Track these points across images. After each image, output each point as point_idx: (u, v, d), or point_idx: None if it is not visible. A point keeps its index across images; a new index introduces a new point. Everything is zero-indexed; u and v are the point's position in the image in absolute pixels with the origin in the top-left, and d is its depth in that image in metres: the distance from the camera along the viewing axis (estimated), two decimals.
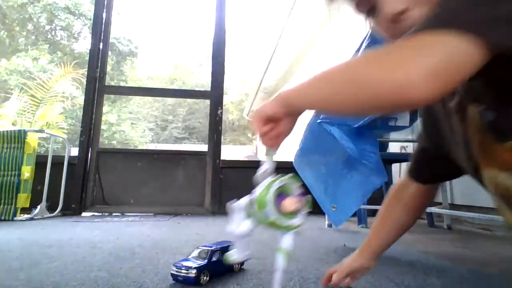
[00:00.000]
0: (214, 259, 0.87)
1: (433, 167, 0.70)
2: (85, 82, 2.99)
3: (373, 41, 1.71)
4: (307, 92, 0.47)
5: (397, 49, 0.38)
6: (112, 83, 12.61)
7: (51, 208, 2.54)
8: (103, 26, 3.07)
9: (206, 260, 0.86)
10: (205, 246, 0.92)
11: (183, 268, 0.83)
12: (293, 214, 0.51)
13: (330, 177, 1.67)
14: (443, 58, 0.35)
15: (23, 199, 2.36)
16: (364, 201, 1.85)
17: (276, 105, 0.51)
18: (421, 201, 0.75)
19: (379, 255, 0.79)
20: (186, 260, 0.87)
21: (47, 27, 15.41)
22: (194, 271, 0.81)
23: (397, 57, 0.37)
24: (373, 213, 2.59)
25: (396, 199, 0.77)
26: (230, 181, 2.93)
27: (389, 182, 2.67)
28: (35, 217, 2.35)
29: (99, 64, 3.00)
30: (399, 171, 2.88)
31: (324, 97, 0.44)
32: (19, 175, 2.38)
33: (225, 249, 0.89)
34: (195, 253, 0.90)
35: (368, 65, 0.39)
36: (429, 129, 0.68)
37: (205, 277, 0.84)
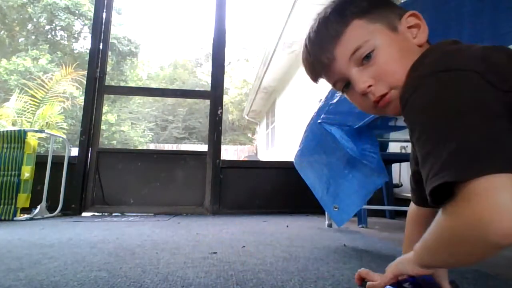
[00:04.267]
0: None
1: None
2: (85, 82, 2.99)
3: None
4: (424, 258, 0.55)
5: (465, 209, 0.40)
6: (112, 83, 12.62)
7: (51, 208, 2.54)
8: (103, 26, 3.07)
9: None
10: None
11: None
12: None
13: (331, 177, 1.67)
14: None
15: (23, 199, 2.36)
16: (365, 201, 1.85)
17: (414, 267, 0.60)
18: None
19: None
20: None
21: (47, 27, 15.42)
22: None
23: (472, 213, 0.39)
24: (373, 213, 2.61)
25: (414, 222, 0.78)
26: (230, 181, 2.93)
27: (389, 182, 2.68)
28: (35, 217, 2.35)
29: (99, 64, 3.00)
30: (399, 171, 2.88)
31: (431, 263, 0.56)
32: (19, 175, 2.38)
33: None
34: None
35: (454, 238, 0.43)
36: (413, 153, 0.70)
37: None
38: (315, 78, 0.65)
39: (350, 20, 0.56)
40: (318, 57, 0.59)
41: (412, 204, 0.79)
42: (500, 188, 0.36)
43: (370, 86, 0.55)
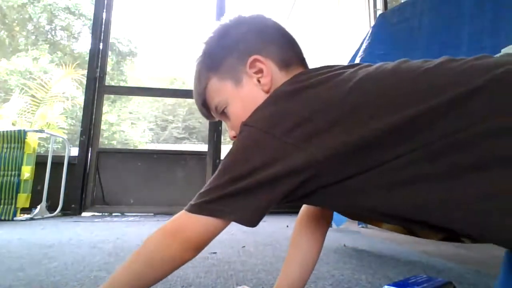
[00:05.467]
0: None
1: None
2: (85, 82, 2.99)
3: (374, 40, 1.71)
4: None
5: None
6: (112, 83, 12.61)
7: (51, 208, 2.54)
8: (103, 26, 3.07)
9: None
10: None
11: None
12: None
13: None
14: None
15: (23, 199, 2.36)
16: None
17: None
18: (325, 223, 0.70)
19: None
20: None
21: (47, 27, 15.41)
22: None
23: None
24: None
25: (305, 229, 0.70)
26: None
27: None
28: (35, 217, 2.35)
29: (99, 64, 3.00)
30: None
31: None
32: (19, 175, 2.38)
33: None
34: None
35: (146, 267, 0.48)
36: None
37: None
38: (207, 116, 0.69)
39: (208, 77, 0.62)
40: (197, 102, 0.67)
41: (302, 209, 0.73)
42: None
43: (234, 136, 0.60)
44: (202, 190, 0.48)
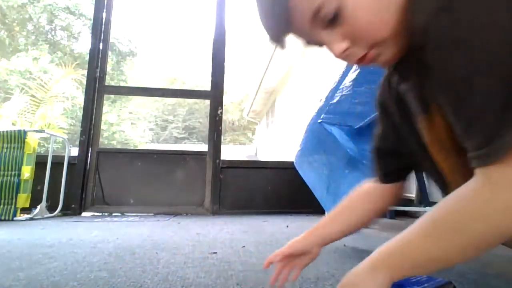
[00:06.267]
0: None
1: (392, 163, 0.69)
2: (85, 82, 2.99)
3: None
4: (415, 255, 0.42)
5: (488, 193, 0.37)
6: (112, 83, 12.62)
7: (51, 208, 2.54)
8: (103, 26, 3.07)
9: None
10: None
11: None
12: None
13: (331, 177, 1.67)
14: None
15: (23, 199, 2.36)
16: None
17: (378, 277, 0.43)
18: (387, 203, 0.73)
19: (325, 243, 0.72)
20: None
21: (47, 27, 15.41)
22: None
23: (499, 201, 0.36)
24: None
25: (363, 198, 0.73)
26: (230, 181, 2.93)
27: None
28: (35, 217, 2.35)
29: (99, 64, 3.00)
30: None
31: (433, 256, 0.41)
32: (19, 175, 2.38)
33: None
34: None
35: (475, 220, 0.38)
36: (386, 129, 0.69)
37: None
38: (277, 40, 0.51)
39: None
40: (273, 13, 0.46)
41: (366, 183, 0.75)
42: None
43: (346, 49, 0.46)
44: (481, 131, 0.36)
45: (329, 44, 0.47)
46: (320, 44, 0.49)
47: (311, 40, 0.49)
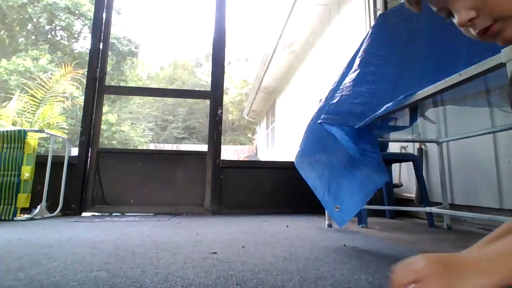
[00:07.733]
0: None
1: None
2: (85, 82, 2.99)
3: (374, 40, 1.71)
4: None
5: None
6: (112, 83, 12.63)
7: (51, 208, 2.54)
8: (103, 26, 3.07)
9: None
10: None
11: None
12: None
13: (332, 177, 1.67)
14: None
15: (23, 199, 2.36)
16: (366, 201, 1.86)
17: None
18: None
19: None
20: None
21: (47, 27, 15.42)
22: None
23: None
24: (373, 213, 2.61)
25: None
26: (230, 181, 2.93)
27: (389, 182, 2.68)
28: (35, 217, 2.35)
29: (99, 64, 3.00)
30: (399, 171, 2.88)
31: None
32: (19, 175, 2.38)
33: None
34: None
35: None
36: None
37: None
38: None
39: None
40: None
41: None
42: None
43: (471, 19, 0.48)
44: None
45: (457, 11, 0.49)
46: (449, 13, 0.52)
47: (442, 8, 0.53)
